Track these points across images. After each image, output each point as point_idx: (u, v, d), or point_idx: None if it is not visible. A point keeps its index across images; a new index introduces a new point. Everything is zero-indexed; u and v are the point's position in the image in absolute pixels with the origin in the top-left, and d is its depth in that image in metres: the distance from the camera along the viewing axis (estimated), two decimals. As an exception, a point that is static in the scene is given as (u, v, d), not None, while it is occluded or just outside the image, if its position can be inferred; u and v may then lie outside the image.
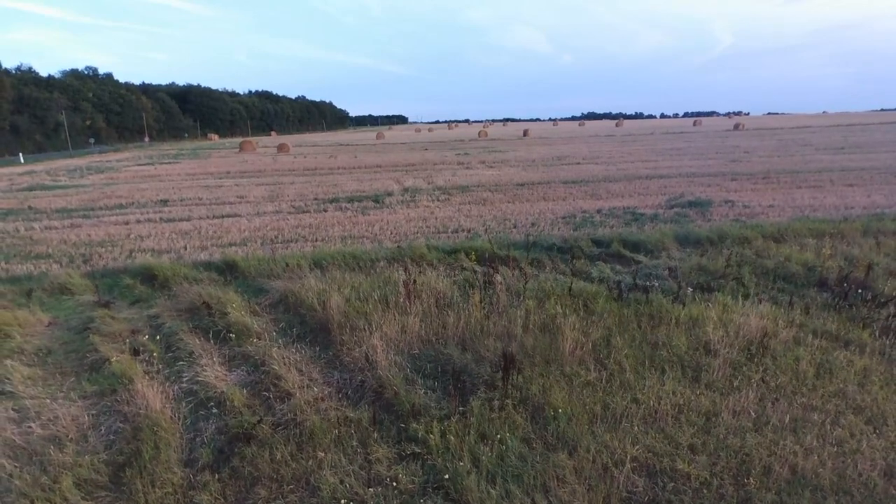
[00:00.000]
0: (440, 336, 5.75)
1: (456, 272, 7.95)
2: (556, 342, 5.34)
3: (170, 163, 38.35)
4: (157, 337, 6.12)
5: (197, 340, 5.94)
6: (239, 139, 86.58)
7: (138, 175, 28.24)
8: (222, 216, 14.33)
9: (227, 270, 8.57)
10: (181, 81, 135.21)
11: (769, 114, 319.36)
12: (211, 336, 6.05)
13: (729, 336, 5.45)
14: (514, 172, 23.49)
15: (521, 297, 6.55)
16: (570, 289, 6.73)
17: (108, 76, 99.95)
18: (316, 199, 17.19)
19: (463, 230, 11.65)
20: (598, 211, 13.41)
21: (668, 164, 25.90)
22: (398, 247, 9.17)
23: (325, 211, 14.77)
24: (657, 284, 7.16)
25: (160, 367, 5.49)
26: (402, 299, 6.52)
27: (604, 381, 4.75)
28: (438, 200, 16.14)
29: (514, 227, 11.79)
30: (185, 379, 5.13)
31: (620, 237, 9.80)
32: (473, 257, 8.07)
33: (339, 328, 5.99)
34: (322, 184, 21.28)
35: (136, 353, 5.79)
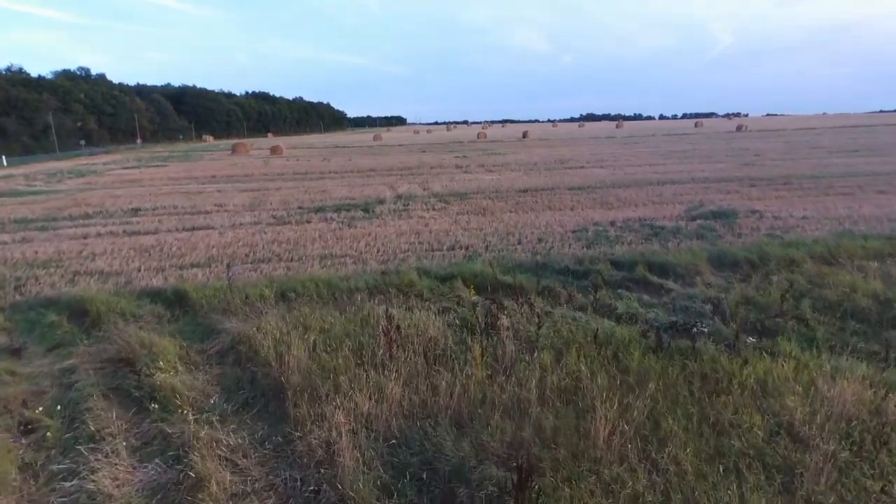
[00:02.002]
0: (428, 409, 4.33)
1: (451, 309, 6.53)
2: (586, 422, 3.93)
3: (157, 166, 36.91)
4: (59, 407, 4.69)
5: (110, 412, 4.51)
6: (234, 141, 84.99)
7: (119, 179, 26.81)
8: (193, 228, 12.90)
9: (177, 303, 7.15)
10: (180, 82, 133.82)
11: (768, 115, 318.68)
12: (129, 404, 4.63)
13: (816, 411, 4.04)
14: (516, 177, 22.10)
15: (535, 350, 5.15)
16: (595, 335, 5.32)
17: (101, 77, 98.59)
18: (301, 207, 15.77)
19: (460, 247, 10.23)
20: (612, 223, 12.00)
21: (678, 167, 24.53)
22: (382, 273, 7.73)
23: (309, 222, 13.35)
24: (704, 328, 5.74)
25: (48, 456, 4.06)
26: (381, 351, 5.11)
27: (659, 494, 3.34)
28: (434, 209, 14.73)
29: (519, 244, 10.38)
30: (70, 484, 3.69)
31: (644, 258, 8.39)
32: (472, 290, 6.67)
33: (298, 394, 4.56)
34: (310, 190, 19.86)
35: (26, 431, 4.37)
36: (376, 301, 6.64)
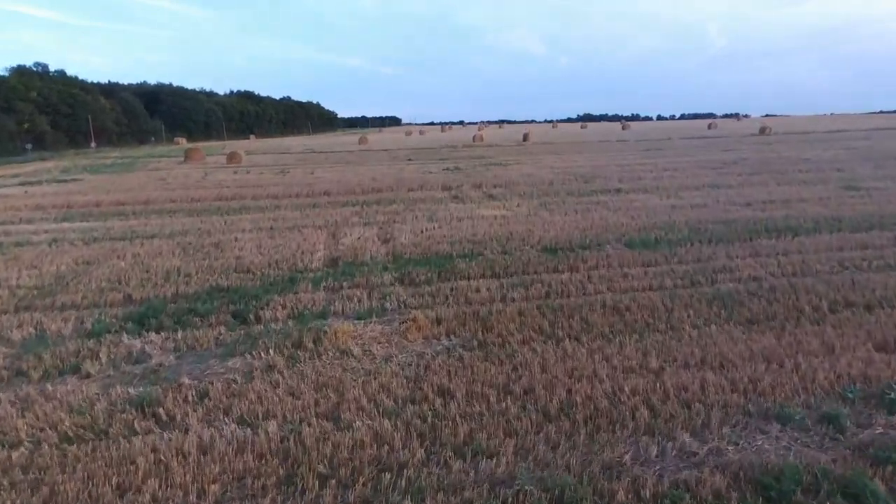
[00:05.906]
0: None
1: None
2: None
3: (56, 182, 28.98)
4: None
5: None
6: (214, 143, 76.75)
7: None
8: None
9: None
10: (157, 81, 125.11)
11: (767, 115, 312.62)
12: None
13: None
14: (531, 211, 14.43)
15: None
16: None
17: (61, 73, 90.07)
18: (91, 326, 7.99)
19: None
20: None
21: (761, 195, 16.96)
22: None
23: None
24: None
25: None
26: None
27: None
28: (379, 320, 7.00)
29: None
30: None
31: None
32: None
33: None
34: (196, 250, 12.08)
35: None
36: None
